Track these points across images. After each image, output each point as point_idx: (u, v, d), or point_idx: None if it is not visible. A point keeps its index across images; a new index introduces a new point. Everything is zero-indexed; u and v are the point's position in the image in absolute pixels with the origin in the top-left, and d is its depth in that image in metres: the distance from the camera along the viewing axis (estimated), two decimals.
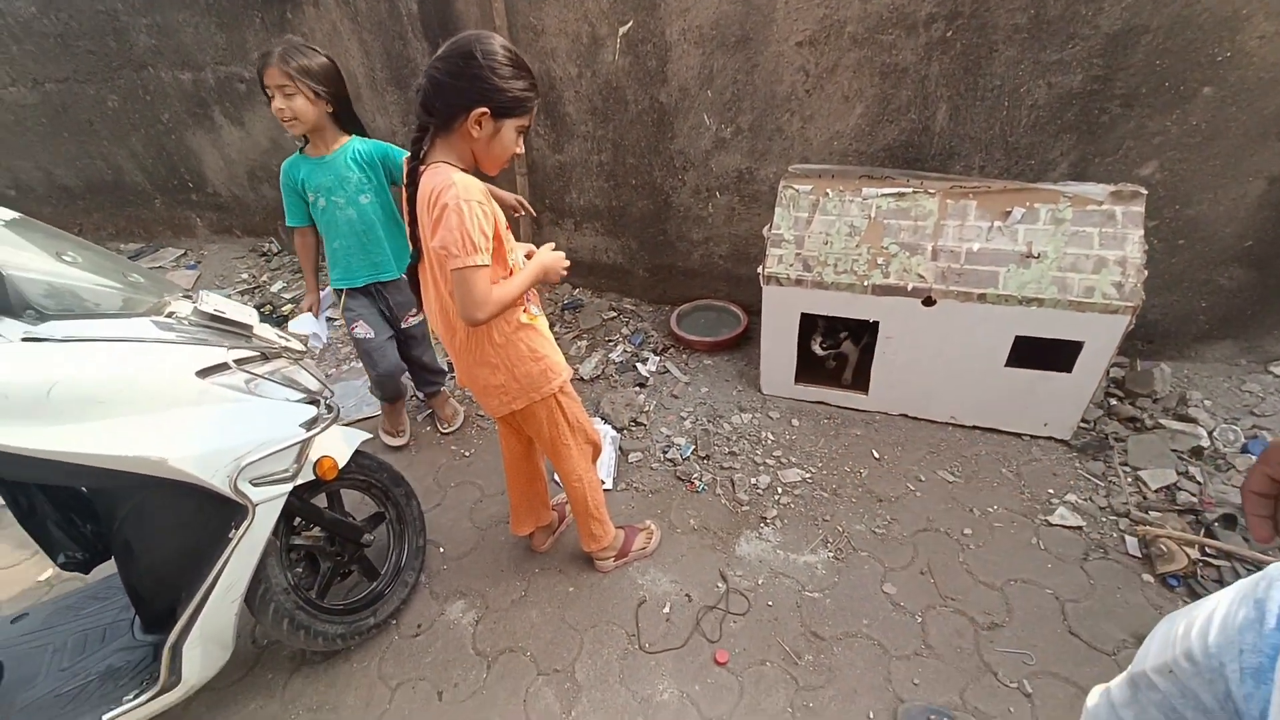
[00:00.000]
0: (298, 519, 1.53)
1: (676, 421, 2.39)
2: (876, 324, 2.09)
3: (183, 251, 4.10)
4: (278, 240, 3.89)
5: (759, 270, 2.13)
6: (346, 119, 1.87)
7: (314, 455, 1.43)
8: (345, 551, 1.68)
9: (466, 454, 2.37)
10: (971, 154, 2.14)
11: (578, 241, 3.05)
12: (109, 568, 1.44)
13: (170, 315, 1.24)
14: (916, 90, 2.09)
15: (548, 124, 2.74)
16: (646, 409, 2.45)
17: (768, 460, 2.19)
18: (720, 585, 1.80)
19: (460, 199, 1.09)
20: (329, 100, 1.78)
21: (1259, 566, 1.25)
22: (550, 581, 1.87)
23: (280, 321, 3.23)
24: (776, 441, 2.26)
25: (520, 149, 1.25)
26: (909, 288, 1.96)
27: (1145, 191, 1.80)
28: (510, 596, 1.84)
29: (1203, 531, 1.73)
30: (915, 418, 2.27)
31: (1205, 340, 2.24)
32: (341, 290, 2.03)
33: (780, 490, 2.07)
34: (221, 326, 1.29)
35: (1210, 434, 2.01)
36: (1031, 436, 2.14)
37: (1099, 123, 1.95)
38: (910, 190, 2.00)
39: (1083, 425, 2.09)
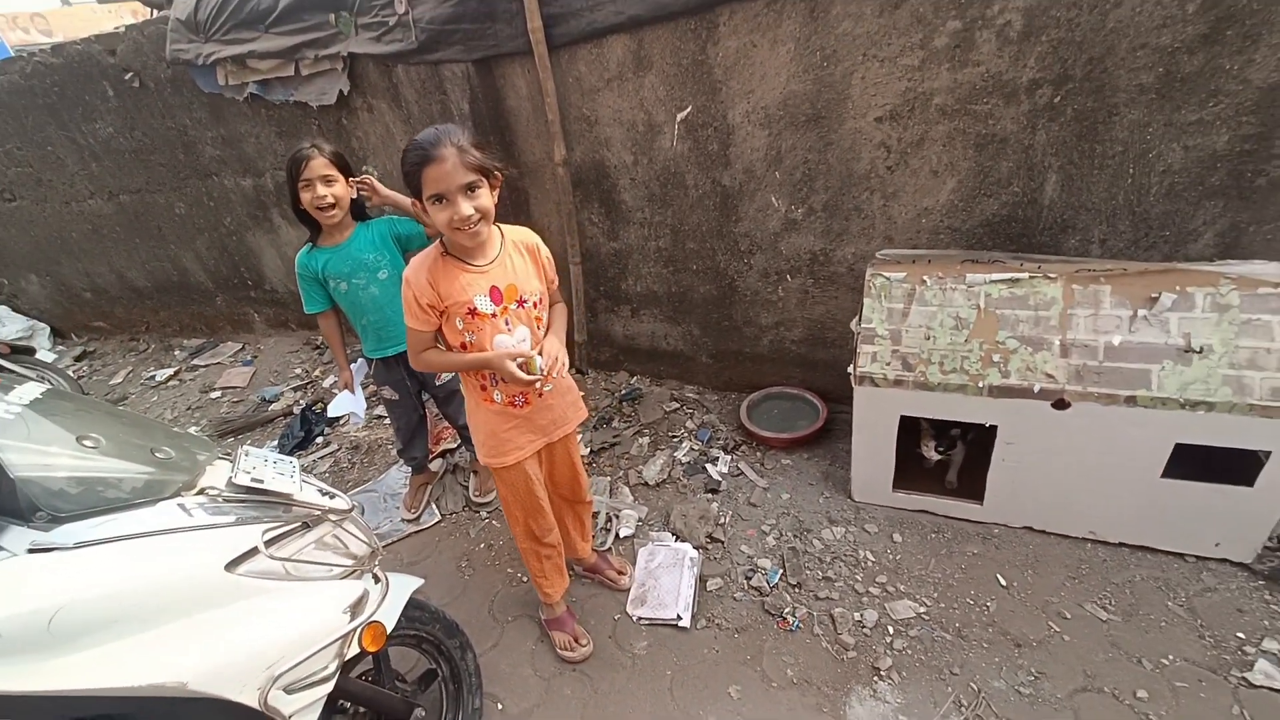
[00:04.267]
0: (339, 699, 1.33)
1: (758, 537, 2.10)
2: (986, 425, 1.81)
3: (241, 346, 4.15)
4: None
5: (849, 370, 1.88)
6: (358, 206, 1.97)
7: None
8: None
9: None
10: (1090, 226, 1.86)
11: (635, 328, 2.88)
12: None
13: (202, 492, 1.08)
14: (1020, 160, 1.85)
15: (602, 212, 2.62)
16: (722, 520, 2.18)
17: (871, 589, 1.87)
18: None
19: (405, 277, 1.36)
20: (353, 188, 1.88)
21: None
22: None
23: (334, 421, 3.15)
24: (878, 563, 1.94)
25: (461, 213, 1.24)
26: (1035, 389, 1.67)
27: None
28: None
29: None
30: (1043, 531, 1.93)
31: None
32: (372, 360, 2.17)
33: (892, 630, 1.75)
34: (259, 499, 1.13)
35: None
36: (1198, 558, 1.76)
37: (1254, 186, 1.66)
38: (1025, 275, 1.74)
39: (1268, 547, 1.71)
